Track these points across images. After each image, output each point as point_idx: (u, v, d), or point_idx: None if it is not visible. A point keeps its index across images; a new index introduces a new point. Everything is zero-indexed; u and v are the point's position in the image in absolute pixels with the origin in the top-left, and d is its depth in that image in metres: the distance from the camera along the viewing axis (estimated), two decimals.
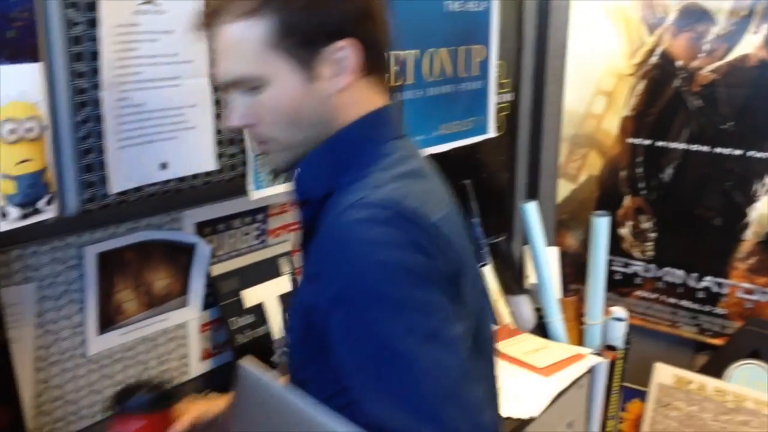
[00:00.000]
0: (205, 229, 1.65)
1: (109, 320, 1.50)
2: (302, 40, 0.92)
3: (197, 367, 1.72)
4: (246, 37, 0.92)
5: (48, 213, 1.04)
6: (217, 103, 1.26)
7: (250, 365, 1.03)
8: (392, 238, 0.86)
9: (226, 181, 1.30)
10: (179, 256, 1.60)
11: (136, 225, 1.51)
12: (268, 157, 1.03)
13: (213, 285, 1.69)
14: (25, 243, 1.34)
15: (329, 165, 0.98)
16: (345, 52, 0.94)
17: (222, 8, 0.93)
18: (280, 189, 1.39)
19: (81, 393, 1.49)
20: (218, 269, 1.70)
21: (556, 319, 2.00)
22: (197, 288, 1.65)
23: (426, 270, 0.87)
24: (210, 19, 0.95)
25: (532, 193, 2.56)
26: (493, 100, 1.91)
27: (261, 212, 1.77)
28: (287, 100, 0.94)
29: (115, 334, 1.52)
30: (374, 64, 0.98)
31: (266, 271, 1.80)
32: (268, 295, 1.79)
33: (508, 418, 1.59)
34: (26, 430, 1.34)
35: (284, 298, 1.82)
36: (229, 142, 1.30)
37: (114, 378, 1.54)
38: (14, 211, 1.00)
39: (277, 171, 1.02)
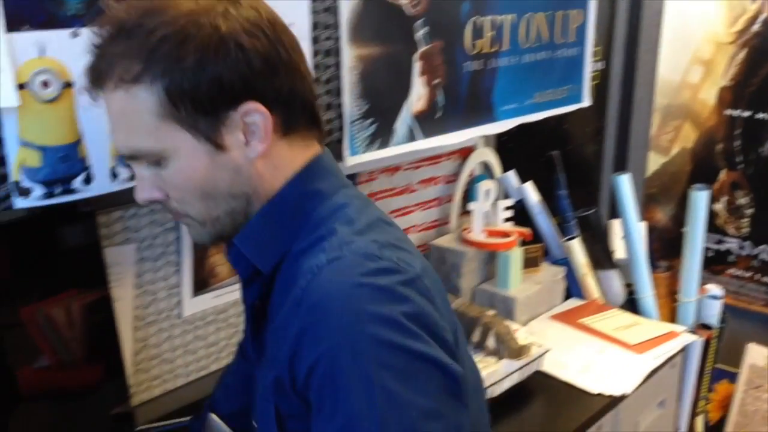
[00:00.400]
0: None
1: (202, 283, 1.52)
2: (197, 108, 0.80)
3: None
4: (133, 108, 0.80)
5: None
6: (317, 67, 1.25)
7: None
8: (381, 296, 0.77)
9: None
10: None
11: None
12: (190, 229, 0.92)
13: None
14: (126, 205, 1.37)
15: (273, 234, 0.87)
16: (251, 117, 0.82)
17: (104, 72, 0.80)
18: (376, 155, 1.37)
19: (176, 353, 1.52)
20: None
21: (648, 296, 1.93)
22: None
23: (423, 323, 0.80)
24: (95, 82, 0.82)
25: (621, 166, 2.48)
26: (588, 67, 1.85)
27: (350, 179, 1.76)
28: (194, 174, 0.83)
29: (208, 296, 1.54)
30: (294, 119, 0.86)
31: None
32: None
33: (599, 395, 1.55)
34: (128, 383, 1.37)
35: None
36: (326, 107, 1.29)
37: (207, 339, 1.57)
38: (124, 172, 1.00)
39: (203, 245, 0.94)
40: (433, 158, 1.93)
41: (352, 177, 1.77)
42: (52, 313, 1.19)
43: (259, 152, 0.84)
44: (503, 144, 2.12)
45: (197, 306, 1.53)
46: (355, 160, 1.33)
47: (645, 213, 2.45)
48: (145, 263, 1.42)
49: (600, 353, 1.69)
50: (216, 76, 0.78)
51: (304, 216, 0.86)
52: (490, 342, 1.60)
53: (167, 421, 1.47)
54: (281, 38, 0.83)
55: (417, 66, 1.42)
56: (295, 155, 0.87)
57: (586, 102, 1.82)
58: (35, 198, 0.93)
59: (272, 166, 0.86)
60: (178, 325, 1.51)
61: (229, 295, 1.58)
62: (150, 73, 0.78)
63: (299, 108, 0.86)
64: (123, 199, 1.35)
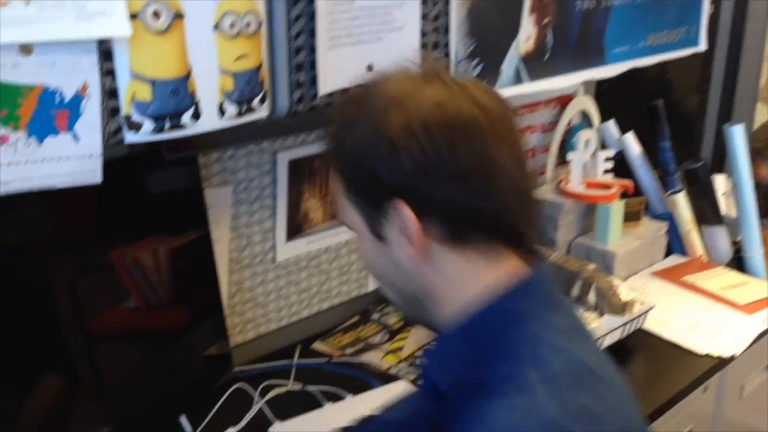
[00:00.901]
0: None
1: (296, 228, 1.50)
2: (361, 193, 0.80)
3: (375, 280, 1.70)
4: (333, 178, 0.85)
5: (261, 112, 1.02)
6: (424, 2, 1.19)
7: None
8: None
9: None
10: None
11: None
12: None
13: None
14: (224, 147, 1.35)
15: (456, 353, 0.79)
16: (400, 216, 0.77)
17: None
18: None
19: (269, 297, 1.51)
20: None
21: (757, 254, 1.83)
22: None
23: None
24: None
25: (726, 118, 2.34)
26: (707, 7, 1.72)
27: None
28: (366, 255, 0.84)
29: (301, 242, 1.52)
30: (464, 231, 0.78)
31: None
32: None
33: (707, 356, 1.48)
34: (225, 322, 1.37)
35: None
36: (434, 46, 1.23)
37: (299, 285, 1.56)
38: (231, 108, 0.97)
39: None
40: (531, 105, 1.85)
41: None
42: (140, 256, 1.20)
43: (411, 254, 0.78)
44: (603, 93, 2.02)
45: (291, 251, 1.51)
46: None
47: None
48: (241, 206, 1.40)
49: (706, 312, 1.61)
50: (370, 168, 0.77)
51: (493, 340, 0.77)
52: (591, 297, 1.53)
53: (259, 364, 1.46)
54: (456, 143, 0.75)
55: (527, 3, 1.34)
56: (477, 270, 0.79)
57: (702, 46, 1.71)
58: (145, 133, 0.90)
59: (445, 277, 0.80)
60: (272, 269, 1.50)
61: (322, 241, 1.56)
62: (330, 152, 0.84)
63: (468, 220, 0.77)
64: (222, 140, 1.34)
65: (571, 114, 1.91)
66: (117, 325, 1.22)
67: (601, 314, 1.51)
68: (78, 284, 1.11)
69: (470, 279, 0.79)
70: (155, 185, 1.25)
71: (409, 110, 0.76)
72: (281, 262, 1.50)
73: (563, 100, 1.91)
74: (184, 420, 1.21)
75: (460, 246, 0.78)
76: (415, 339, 1.58)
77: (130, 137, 0.90)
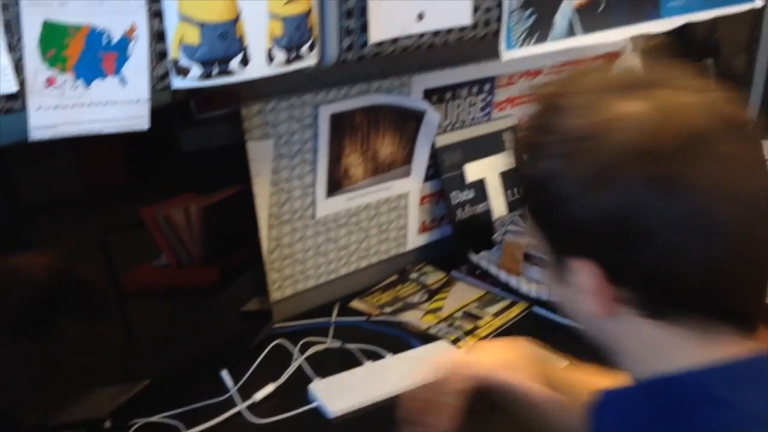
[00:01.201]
0: (432, 96, 1.56)
1: (336, 184, 1.47)
2: (545, 231, 0.70)
3: (414, 239, 1.68)
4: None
5: (309, 60, 0.98)
6: None
7: None
8: None
9: (479, 39, 1.19)
10: (406, 123, 1.53)
11: (367, 88, 1.44)
12: None
13: (435, 156, 1.61)
14: (266, 98, 1.32)
15: (637, 413, 0.69)
16: (581, 274, 0.66)
17: None
18: (533, 50, 1.26)
19: (308, 254, 1.49)
20: (442, 140, 1.62)
21: None
22: (421, 158, 1.58)
23: None
24: None
25: None
26: None
27: (488, 82, 1.66)
28: (553, 289, 0.73)
29: (341, 198, 1.49)
30: (671, 307, 0.65)
31: (490, 145, 1.70)
32: (490, 171, 1.70)
33: None
34: (266, 276, 1.35)
35: (506, 176, 1.73)
36: None
37: (338, 242, 1.53)
38: (280, 55, 0.94)
39: None
40: (577, 62, 1.79)
41: (491, 80, 1.66)
42: (172, 214, 1.18)
43: (597, 314, 0.67)
44: (651, 50, 1.95)
45: (330, 207, 1.48)
46: (511, 54, 1.22)
47: None
48: (282, 160, 1.37)
49: None
50: (554, 210, 0.66)
51: (685, 417, 0.65)
52: None
53: (298, 321, 1.45)
54: (674, 187, 0.60)
55: None
56: (682, 346, 0.66)
57: (759, 2, 1.63)
58: (193, 78, 0.87)
59: (638, 343, 0.68)
60: (311, 225, 1.47)
61: (362, 198, 1.53)
62: (517, 174, 0.72)
63: (676, 295, 0.64)
64: (264, 91, 1.31)
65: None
66: (148, 282, 1.21)
67: None
68: (109, 241, 1.09)
69: (671, 353, 0.66)
70: (188, 142, 1.23)
71: (609, 141, 0.62)
72: (320, 219, 1.48)
73: (610, 58, 1.84)
74: (225, 374, 1.19)
75: (660, 319, 0.66)
76: (455, 299, 1.55)
77: (177, 82, 0.87)
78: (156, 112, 0.88)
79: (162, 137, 1.11)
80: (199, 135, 1.23)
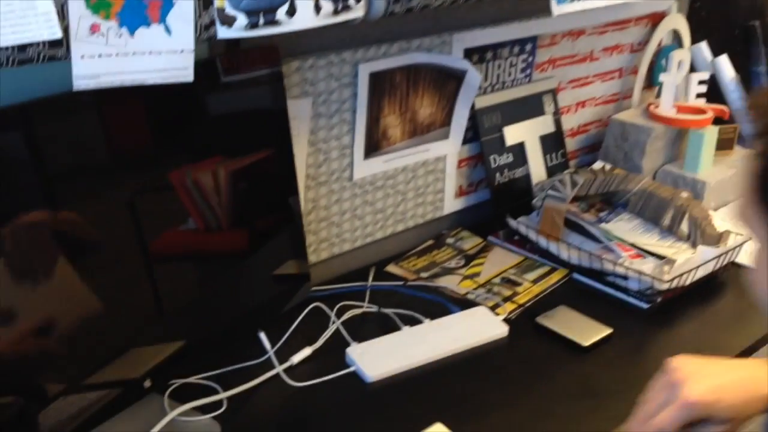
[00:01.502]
0: (473, 56, 1.52)
1: (374, 145, 1.44)
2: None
3: (451, 204, 1.64)
4: (746, 170, 0.69)
5: (357, 11, 0.94)
6: None
7: None
8: None
9: None
10: (446, 83, 1.49)
11: (408, 46, 1.40)
12: None
13: (474, 118, 1.57)
14: (305, 55, 1.28)
15: None
16: None
17: None
18: (585, 5, 1.21)
19: (344, 217, 1.46)
20: (482, 102, 1.57)
21: None
22: (460, 120, 1.54)
23: None
24: None
25: None
26: None
27: (530, 42, 1.60)
28: (760, 275, 0.69)
29: (379, 160, 1.46)
30: None
31: (530, 108, 1.65)
32: (529, 135, 1.65)
33: None
34: (305, 238, 1.32)
35: (546, 140, 1.68)
36: None
37: (375, 205, 1.50)
38: (327, 5, 0.90)
39: None
40: (620, 23, 1.74)
41: (533, 40, 1.61)
42: (200, 177, 1.15)
43: None
44: (696, 11, 1.88)
45: (367, 169, 1.45)
46: (562, 9, 1.17)
47: None
48: (320, 119, 1.34)
49: None
50: None
51: None
52: (684, 226, 1.45)
53: (333, 285, 1.42)
54: None
55: None
56: None
57: None
58: (239, 28, 0.84)
59: None
60: (348, 188, 1.44)
61: (399, 160, 1.49)
62: (762, 141, 0.66)
63: None
64: (302, 47, 1.27)
65: (662, 33, 1.79)
66: (175, 246, 1.19)
67: (694, 245, 1.43)
68: (137, 205, 1.07)
69: None
70: (216, 105, 1.20)
71: None
72: (357, 181, 1.44)
73: (655, 19, 1.78)
74: (263, 336, 1.18)
75: None
76: (492, 264, 1.52)
77: (223, 32, 0.84)
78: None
79: (189, 100, 1.09)
80: (226, 98, 1.20)
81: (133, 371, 1.05)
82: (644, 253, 1.42)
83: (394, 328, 1.31)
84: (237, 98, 1.20)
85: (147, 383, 1.04)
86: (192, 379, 1.16)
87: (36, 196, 0.91)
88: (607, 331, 1.29)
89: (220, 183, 1.21)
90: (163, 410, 1.08)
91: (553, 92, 1.68)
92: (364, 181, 1.45)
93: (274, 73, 1.17)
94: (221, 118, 1.18)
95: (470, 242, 1.60)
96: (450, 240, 1.61)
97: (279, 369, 1.18)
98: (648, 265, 1.38)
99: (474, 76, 1.49)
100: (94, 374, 0.99)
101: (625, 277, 1.38)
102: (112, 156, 1.02)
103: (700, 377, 0.82)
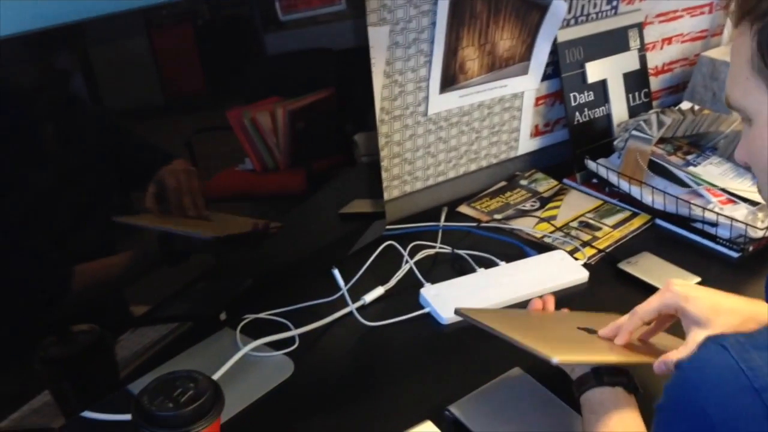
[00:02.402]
0: None
1: (450, 79, 1.36)
2: None
3: (526, 144, 1.57)
4: (737, 49, 0.66)
5: None
6: None
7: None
8: None
9: None
10: (529, 13, 1.40)
11: None
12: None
13: (555, 53, 1.48)
14: None
15: None
16: None
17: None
18: None
19: (417, 153, 1.40)
20: (564, 35, 1.48)
21: None
22: (541, 54, 1.46)
23: None
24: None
25: None
26: None
27: None
28: (760, 150, 0.68)
29: (454, 94, 1.39)
30: None
31: (614, 43, 1.56)
32: (612, 72, 1.56)
33: None
34: (381, 174, 1.27)
35: (629, 77, 1.59)
36: None
37: (448, 143, 1.44)
38: None
39: None
40: None
41: None
42: (258, 117, 1.10)
43: None
44: None
45: (443, 104, 1.38)
46: None
47: None
48: (397, 49, 1.27)
49: None
50: None
51: None
52: None
53: (405, 224, 1.37)
54: None
55: None
56: None
57: None
58: None
59: None
60: (422, 123, 1.38)
61: (475, 96, 1.42)
62: (759, 11, 0.63)
63: None
64: None
65: None
66: (232, 186, 1.15)
67: None
68: (194, 144, 1.03)
69: None
70: (274, 45, 1.14)
71: None
72: (432, 116, 1.38)
73: None
74: (336, 273, 1.13)
75: None
76: (569, 208, 1.45)
77: None
78: (241, 16, 0.77)
79: (247, 40, 1.04)
80: (284, 38, 1.14)
81: (205, 306, 1.03)
82: (736, 198, 1.34)
83: (468, 270, 1.26)
84: (295, 38, 1.14)
85: (222, 316, 1.01)
86: (263, 315, 1.13)
87: (98, 138, 0.87)
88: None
89: (278, 123, 1.17)
90: (235, 345, 1.06)
91: (639, 26, 1.58)
92: (438, 116, 1.39)
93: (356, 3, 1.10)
94: (280, 58, 1.13)
95: (545, 184, 1.53)
96: (523, 182, 1.55)
97: (352, 307, 1.14)
98: (740, 212, 1.30)
99: (560, 5, 1.40)
100: (168, 307, 0.97)
101: (714, 224, 1.30)
102: (170, 96, 0.98)
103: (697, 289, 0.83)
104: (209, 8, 0.95)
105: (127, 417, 0.90)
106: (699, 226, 1.34)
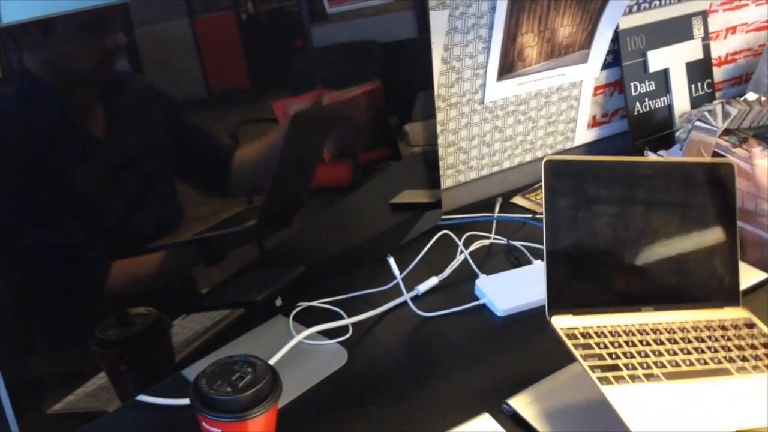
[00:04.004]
0: None
1: (508, 66, 1.33)
2: None
3: (583, 134, 1.53)
4: None
5: None
6: None
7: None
8: None
9: None
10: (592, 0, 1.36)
11: None
12: None
13: (617, 41, 1.44)
14: None
15: None
16: None
17: None
18: None
19: (473, 142, 1.37)
20: (626, 22, 1.44)
21: None
22: (601, 42, 1.41)
23: None
24: None
25: None
26: None
27: None
28: None
29: (512, 82, 1.35)
30: None
31: (677, 31, 1.51)
32: (675, 61, 1.51)
33: None
34: (438, 164, 1.24)
35: (692, 67, 1.54)
36: None
37: (504, 132, 1.41)
38: None
39: None
40: None
41: None
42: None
43: None
44: None
45: (500, 92, 1.35)
46: None
47: None
48: (455, 35, 1.24)
49: None
50: None
51: None
52: None
53: (459, 215, 1.35)
54: None
55: None
56: None
57: None
58: None
59: None
60: (478, 111, 1.35)
61: (533, 84, 1.38)
62: None
63: None
64: None
65: None
66: None
67: None
68: (240, 135, 1.01)
69: None
70: (319, 37, 1.12)
71: None
72: (488, 104, 1.35)
73: None
74: (391, 261, 1.11)
75: None
76: None
77: None
78: (286, 10, 0.76)
79: (293, 32, 1.02)
80: (330, 30, 1.12)
81: (258, 293, 1.01)
82: None
83: (524, 261, 1.23)
84: (341, 30, 1.13)
85: (278, 302, 1.00)
86: (316, 303, 1.11)
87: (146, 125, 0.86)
88: (762, 276, 1.18)
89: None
90: (288, 333, 1.04)
91: (704, 14, 1.53)
92: (495, 105, 1.36)
93: None
94: (325, 50, 1.12)
95: None
96: None
97: (406, 297, 1.12)
98: None
99: None
100: (222, 293, 0.95)
101: None
102: (215, 87, 0.97)
103: None
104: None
105: (183, 401, 0.90)
106: (766, 221, 1.28)
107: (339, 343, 1.05)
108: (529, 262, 1.22)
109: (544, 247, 0.92)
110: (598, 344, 0.88)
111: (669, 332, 0.92)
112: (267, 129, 1.07)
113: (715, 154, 1.37)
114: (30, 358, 0.75)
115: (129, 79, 0.82)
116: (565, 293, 0.93)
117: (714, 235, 1.00)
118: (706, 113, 1.40)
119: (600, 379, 0.83)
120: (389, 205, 1.27)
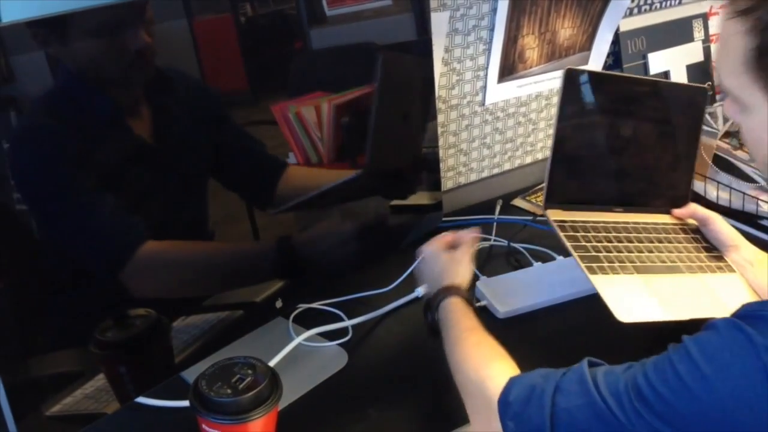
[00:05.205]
0: None
1: (509, 68, 1.33)
2: None
3: None
4: (730, 44, 0.70)
5: None
6: None
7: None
8: None
9: None
10: (593, 1, 1.36)
11: None
12: None
13: (617, 43, 1.44)
14: None
15: None
16: None
17: None
18: None
19: (473, 144, 1.37)
20: (626, 24, 1.44)
21: None
22: (602, 44, 1.42)
23: None
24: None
25: None
26: None
27: None
28: (761, 141, 0.71)
29: (512, 84, 1.35)
30: None
31: (678, 34, 1.51)
32: (675, 63, 1.51)
33: None
34: (439, 166, 1.24)
35: (692, 69, 1.54)
36: None
37: (505, 134, 1.40)
38: None
39: None
40: None
41: None
42: (302, 111, 1.08)
43: None
44: None
45: (500, 93, 1.35)
46: None
47: None
48: (456, 36, 1.24)
49: None
50: None
51: None
52: None
53: (459, 217, 1.34)
54: None
55: None
56: None
57: None
58: None
59: None
60: (479, 113, 1.34)
61: (534, 86, 1.38)
62: (753, 17, 0.68)
63: None
64: None
65: None
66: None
67: None
68: None
69: None
70: (319, 40, 1.12)
71: None
72: (489, 106, 1.35)
73: None
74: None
75: None
76: None
77: None
78: (285, 13, 0.79)
79: (292, 35, 1.02)
80: (329, 33, 1.12)
81: (257, 295, 1.01)
82: None
83: (525, 263, 1.23)
84: (340, 33, 1.12)
85: (278, 303, 0.99)
86: (316, 305, 1.11)
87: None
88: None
89: (323, 117, 1.15)
90: (288, 335, 1.04)
91: (704, 17, 1.52)
92: (495, 107, 1.36)
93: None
94: (325, 53, 1.12)
95: None
96: None
97: (406, 299, 1.12)
98: None
99: None
100: (222, 295, 0.95)
101: None
102: (214, 89, 0.97)
103: None
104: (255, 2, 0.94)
105: (182, 403, 0.90)
106: (767, 223, 1.28)
107: (339, 345, 1.05)
108: (530, 265, 1.22)
109: (551, 148, 1.04)
110: (583, 237, 1.01)
111: (635, 231, 1.06)
112: (266, 132, 1.07)
113: (716, 157, 1.38)
114: (29, 359, 0.75)
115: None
116: (560, 190, 1.06)
117: (679, 150, 1.14)
118: (706, 115, 1.40)
119: (587, 268, 0.95)
120: (390, 207, 1.27)
